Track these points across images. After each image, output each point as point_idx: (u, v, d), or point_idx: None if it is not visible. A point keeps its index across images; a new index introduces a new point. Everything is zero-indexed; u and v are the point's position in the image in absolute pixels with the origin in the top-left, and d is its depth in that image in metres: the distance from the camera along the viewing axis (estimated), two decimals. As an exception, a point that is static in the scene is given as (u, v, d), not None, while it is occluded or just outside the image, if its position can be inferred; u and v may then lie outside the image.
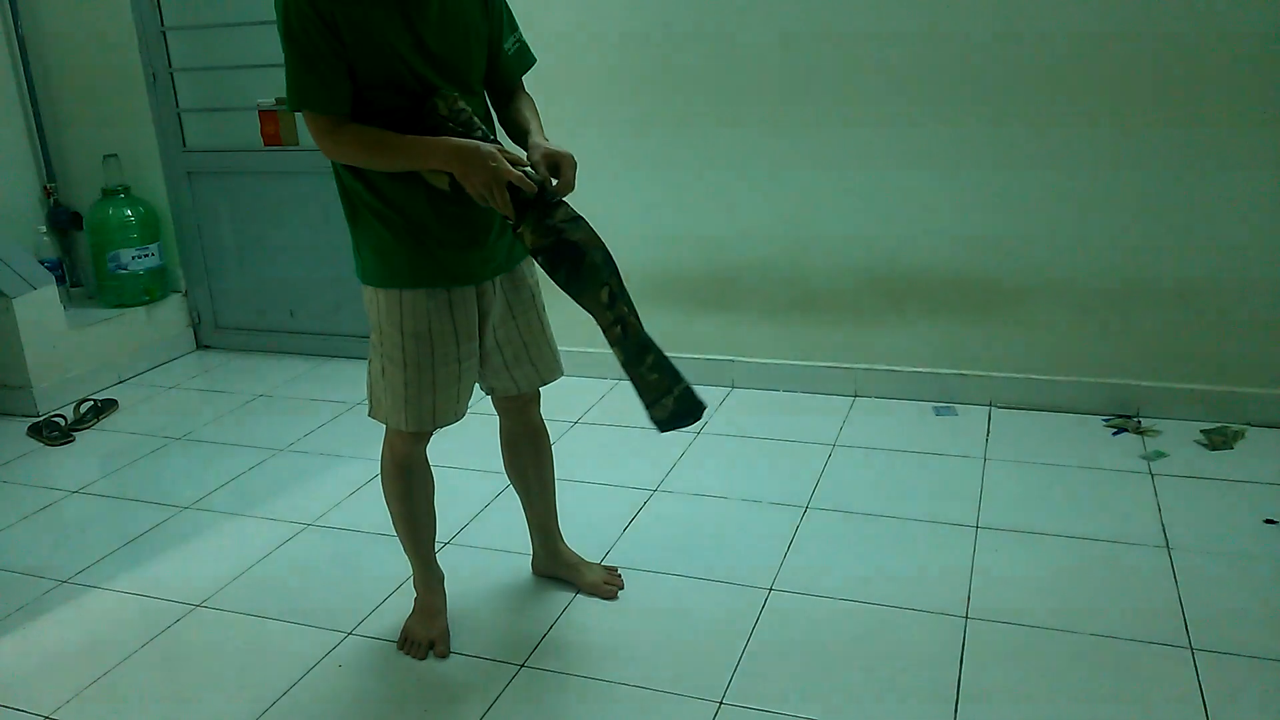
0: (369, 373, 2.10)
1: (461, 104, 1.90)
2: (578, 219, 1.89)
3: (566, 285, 1.88)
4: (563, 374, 2.27)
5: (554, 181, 1.88)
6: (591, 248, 1.86)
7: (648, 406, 1.89)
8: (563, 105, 3.45)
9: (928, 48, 3.09)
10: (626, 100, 3.47)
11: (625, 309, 1.87)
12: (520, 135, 2.03)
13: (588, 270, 1.85)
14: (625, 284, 1.89)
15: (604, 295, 1.85)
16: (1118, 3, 2.89)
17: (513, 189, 1.84)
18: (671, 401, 1.86)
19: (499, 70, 2.05)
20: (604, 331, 1.88)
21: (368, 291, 2.03)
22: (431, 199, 1.92)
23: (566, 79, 3.44)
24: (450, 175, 1.85)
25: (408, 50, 1.85)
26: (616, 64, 3.45)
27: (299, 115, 1.97)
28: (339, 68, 1.83)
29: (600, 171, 3.14)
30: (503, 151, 1.85)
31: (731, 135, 3.38)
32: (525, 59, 2.11)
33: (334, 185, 2.00)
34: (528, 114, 2.06)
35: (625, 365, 1.89)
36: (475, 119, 1.90)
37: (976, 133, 3.11)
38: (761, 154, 3.36)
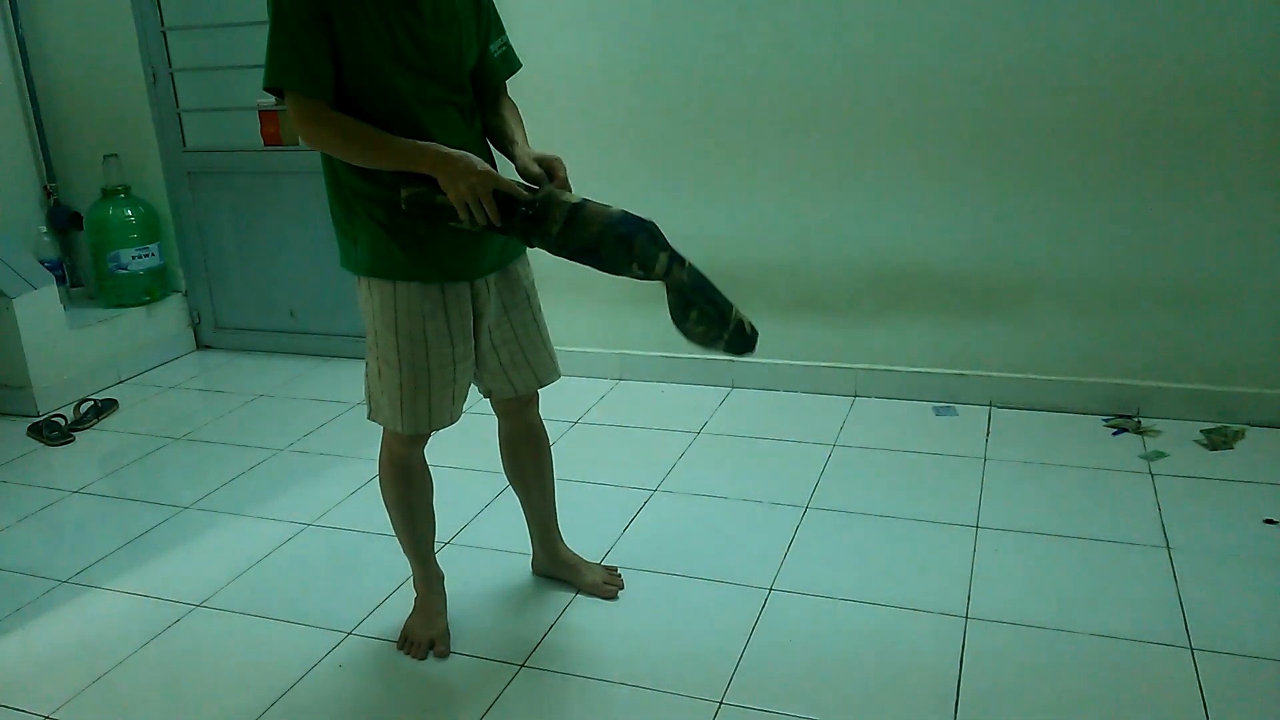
0: (366, 375, 2.10)
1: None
2: (584, 201, 1.87)
3: (643, 262, 1.87)
4: (560, 376, 2.26)
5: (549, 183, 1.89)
6: (618, 214, 1.88)
7: (705, 345, 1.95)
8: (561, 103, 3.46)
9: (927, 50, 3.09)
10: (626, 99, 3.46)
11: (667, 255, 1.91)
12: (506, 144, 2.03)
13: (643, 232, 1.88)
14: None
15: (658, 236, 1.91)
16: (1119, 7, 2.90)
17: (507, 205, 1.83)
18: (722, 346, 1.94)
19: (484, 72, 2.05)
20: (662, 279, 1.91)
21: (362, 290, 2.02)
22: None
23: (566, 76, 3.44)
24: (435, 193, 1.84)
25: (404, 39, 1.84)
26: (616, 62, 3.44)
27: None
28: (323, 53, 1.81)
29: (598, 170, 3.15)
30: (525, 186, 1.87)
31: (731, 135, 3.37)
32: (511, 63, 2.11)
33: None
34: (513, 123, 2.06)
35: (673, 318, 1.93)
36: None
37: (977, 132, 3.11)
38: (762, 154, 3.36)
